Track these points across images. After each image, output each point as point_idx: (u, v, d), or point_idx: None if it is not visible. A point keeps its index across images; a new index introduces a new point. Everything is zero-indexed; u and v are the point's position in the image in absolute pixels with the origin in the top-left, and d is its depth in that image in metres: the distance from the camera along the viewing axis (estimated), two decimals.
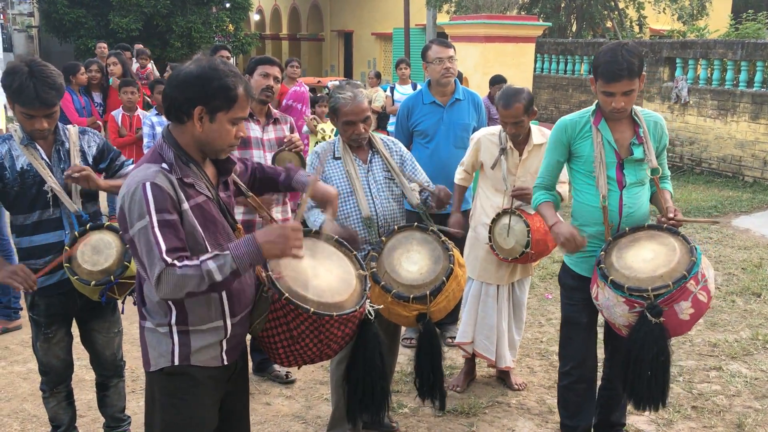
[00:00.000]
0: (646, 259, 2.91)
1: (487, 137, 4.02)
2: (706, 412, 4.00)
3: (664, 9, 17.03)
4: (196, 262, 2.15)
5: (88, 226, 3.09)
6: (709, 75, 11.46)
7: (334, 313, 2.44)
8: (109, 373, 3.46)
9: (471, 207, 4.36)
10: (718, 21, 17.70)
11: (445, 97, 4.70)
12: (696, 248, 2.88)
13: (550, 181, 3.33)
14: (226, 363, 2.43)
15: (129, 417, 3.65)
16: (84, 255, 3.01)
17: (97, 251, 3.03)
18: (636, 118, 3.12)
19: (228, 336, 2.40)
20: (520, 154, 3.93)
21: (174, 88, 2.22)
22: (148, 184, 2.17)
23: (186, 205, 2.23)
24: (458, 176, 4.24)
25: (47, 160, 3.07)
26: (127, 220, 2.19)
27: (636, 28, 17.65)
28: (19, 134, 3.04)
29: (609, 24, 17.48)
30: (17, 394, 4.15)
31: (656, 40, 14.45)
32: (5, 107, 4.84)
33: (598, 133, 3.13)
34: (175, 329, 2.33)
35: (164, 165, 2.24)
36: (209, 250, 2.26)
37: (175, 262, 2.14)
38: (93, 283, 2.98)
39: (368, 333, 2.67)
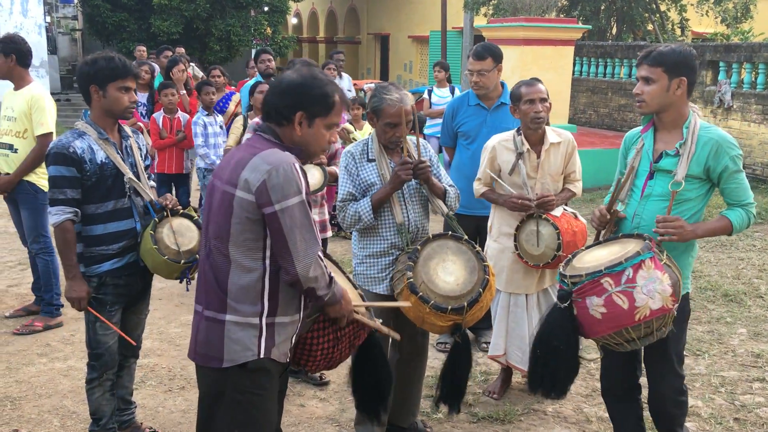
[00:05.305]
0: (596, 256, 2.95)
1: (502, 144, 3.94)
2: (749, 425, 3.89)
3: (707, 12, 16.68)
4: (324, 266, 2.42)
5: (165, 213, 3.36)
6: (753, 79, 11.20)
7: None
8: (128, 352, 3.58)
9: (489, 214, 4.23)
10: (763, 24, 17.29)
11: (490, 100, 4.68)
12: (641, 254, 2.76)
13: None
14: (288, 360, 2.52)
15: (135, 402, 3.73)
16: (169, 238, 3.31)
17: (180, 234, 3.35)
18: (685, 130, 3.00)
19: (297, 331, 2.52)
20: (538, 156, 3.88)
21: (276, 95, 2.41)
22: (297, 165, 2.34)
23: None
24: (479, 191, 4.06)
25: (121, 154, 3.30)
26: (277, 193, 2.27)
27: (678, 31, 17.32)
28: (92, 130, 3.23)
29: (650, 27, 17.19)
30: (57, 390, 4.23)
31: (699, 43, 14.18)
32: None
33: (642, 141, 3.13)
34: (264, 321, 2.39)
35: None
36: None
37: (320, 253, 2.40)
38: (183, 261, 3.30)
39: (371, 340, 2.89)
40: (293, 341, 2.51)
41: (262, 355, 2.38)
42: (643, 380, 3.36)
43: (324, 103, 2.40)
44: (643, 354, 3.25)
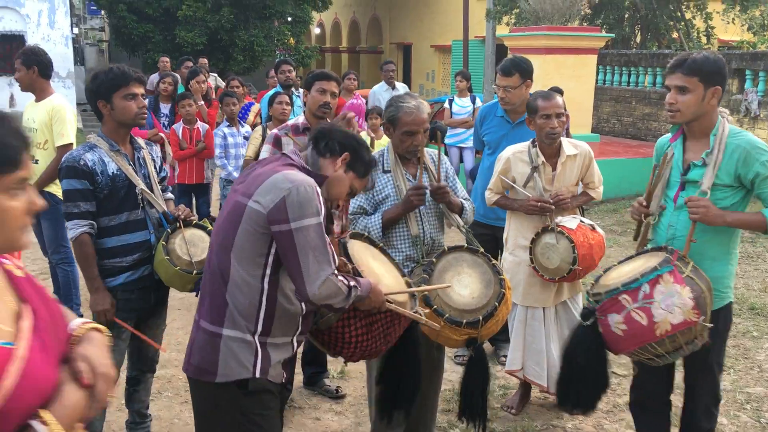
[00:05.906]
0: (622, 273, 2.96)
1: (516, 155, 3.89)
2: None
3: (733, 19, 16.44)
4: (344, 278, 2.37)
5: (178, 224, 3.32)
6: None
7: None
8: (145, 367, 3.57)
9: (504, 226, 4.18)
10: None
11: (516, 114, 4.61)
12: (658, 269, 2.76)
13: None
14: (283, 380, 2.51)
15: (151, 416, 3.71)
16: (182, 248, 3.28)
17: (193, 244, 3.31)
18: (713, 138, 2.94)
19: (293, 353, 2.51)
20: (553, 169, 3.82)
21: (343, 132, 2.60)
22: (318, 189, 2.36)
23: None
24: (491, 199, 4.01)
25: (133, 165, 3.28)
26: (295, 212, 2.26)
27: (703, 39, 17.09)
28: (104, 142, 3.22)
29: (675, 35, 16.99)
30: None
31: (725, 51, 13.98)
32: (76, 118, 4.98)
33: (671, 150, 3.08)
34: (257, 340, 2.37)
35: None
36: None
37: (335, 271, 2.35)
38: (195, 272, 3.24)
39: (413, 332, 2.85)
40: (286, 361, 2.50)
41: (257, 375, 2.36)
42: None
43: (365, 168, 2.59)
44: (684, 365, 3.21)
